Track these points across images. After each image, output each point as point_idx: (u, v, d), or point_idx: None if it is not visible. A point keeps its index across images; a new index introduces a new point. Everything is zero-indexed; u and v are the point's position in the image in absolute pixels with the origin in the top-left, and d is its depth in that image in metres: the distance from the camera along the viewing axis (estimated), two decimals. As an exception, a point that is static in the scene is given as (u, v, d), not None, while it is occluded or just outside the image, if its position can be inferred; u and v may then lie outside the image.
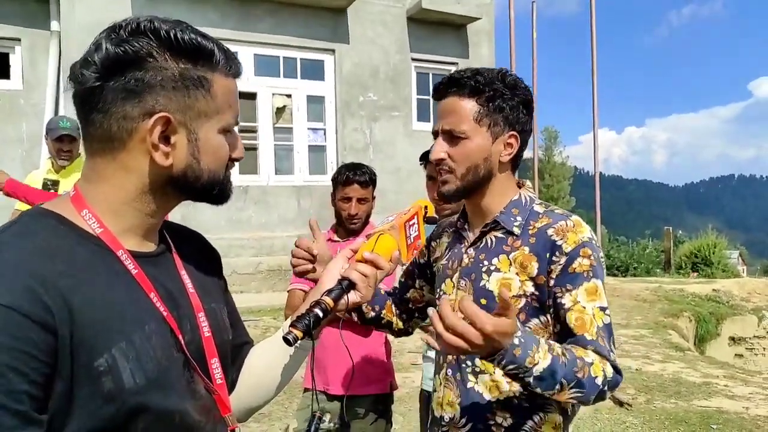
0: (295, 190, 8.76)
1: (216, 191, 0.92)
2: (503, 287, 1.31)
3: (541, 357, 1.10)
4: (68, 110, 6.57)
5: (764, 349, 9.76)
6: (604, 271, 1.35)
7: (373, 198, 2.54)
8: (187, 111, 0.84)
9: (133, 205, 0.86)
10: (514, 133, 1.35)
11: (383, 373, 2.48)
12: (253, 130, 8.61)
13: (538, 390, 1.13)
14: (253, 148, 8.59)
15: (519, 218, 1.36)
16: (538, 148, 15.85)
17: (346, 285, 1.06)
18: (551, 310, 1.29)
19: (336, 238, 2.54)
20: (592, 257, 1.28)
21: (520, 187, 1.43)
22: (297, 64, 8.88)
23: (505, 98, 1.33)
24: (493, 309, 1.30)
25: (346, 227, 2.49)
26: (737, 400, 4.88)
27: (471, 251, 1.40)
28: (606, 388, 1.20)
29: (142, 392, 0.78)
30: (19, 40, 7.63)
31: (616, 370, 1.23)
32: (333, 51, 8.95)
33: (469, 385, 1.35)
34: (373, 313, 1.59)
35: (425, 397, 2.60)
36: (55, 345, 0.71)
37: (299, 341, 0.98)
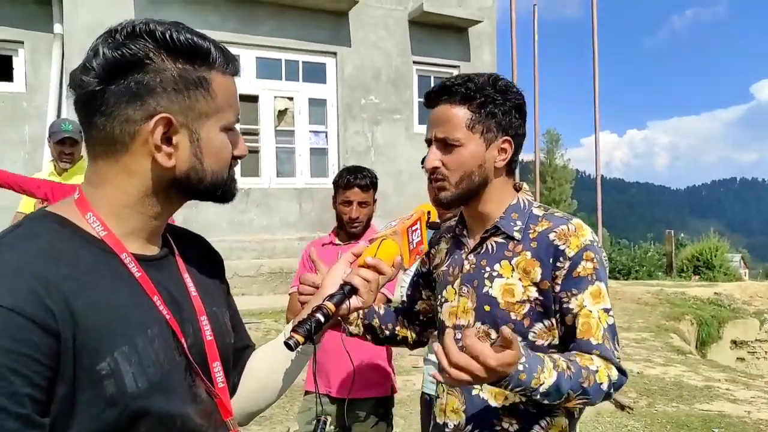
0: (297, 193, 8.76)
1: (220, 191, 0.92)
2: (507, 293, 1.32)
3: (546, 376, 1.12)
4: (71, 113, 6.59)
5: (766, 352, 9.73)
6: (607, 271, 1.35)
7: (375, 201, 2.54)
8: (187, 111, 0.84)
9: (136, 208, 0.86)
10: (508, 138, 1.35)
11: (384, 376, 2.48)
12: (255, 133, 8.62)
13: (545, 402, 1.16)
14: (254, 151, 8.60)
15: (519, 222, 1.36)
16: (539, 150, 15.85)
17: (348, 290, 1.06)
18: (557, 314, 1.30)
19: (337, 241, 2.54)
20: (594, 260, 1.28)
21: (517, 191, 1.43)
22: (299, 66, 8.90)
23: (497, 103, 1.33)
24: (497, 315, 1.31)
25: (347, 231, 2.49)
26: (739, 403, 4.86)
27: (472, 257, 1.40)
28: (611, 390, 1.22)
29: (145, 396, 0.78)
30: (22, 42, 7.65)
31: (621, 371, 1.25)
32: (335, 54, 8.96)
33: (474, 391, 1.35)
34: (387, 332, 1.59)
35: (426, 401, 2.60)
36: (57, 348, 0.71)
37: (300, 346, 0.98)
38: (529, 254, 1.31)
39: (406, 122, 9.47)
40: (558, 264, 1.28)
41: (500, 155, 1.35)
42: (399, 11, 9.33)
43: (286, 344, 0.97)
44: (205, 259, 1.05)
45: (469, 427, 1.35)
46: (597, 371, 1.19)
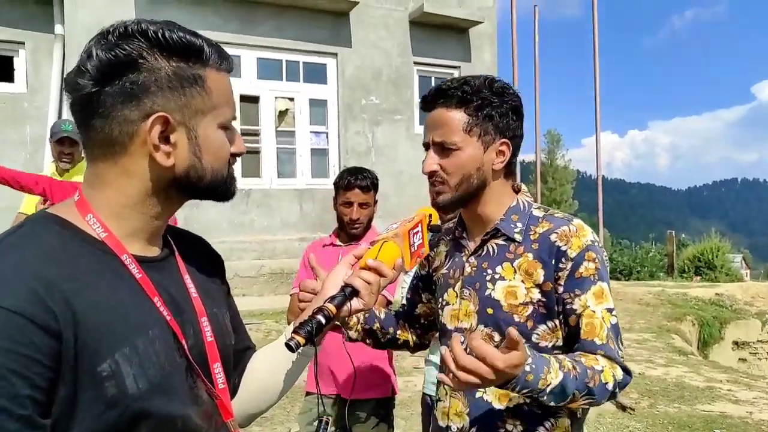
0: (298, 194, 8.76)
1: (220, 189, 0.92)
2: (509, 295, 1.31)
3: (553, 377, 1.12)
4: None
5: (768, 353, 9.72)
6: (608, 271, 1.36)
7: (375, 202, 2.54)
8: (184, 109, 0.84)
9: (136, 209, 0.86)
10: (505, 140, 1.35)
11: (385, 377, 2.47)
12: (256, 134, 8.63)
13: (552, 404, 1.16)
14: (255, 152, 8.61)
15: (519, 224, 1.36)
16: (540, 151, 15.85)
17: (349, 292, 1.06)
18: (560, 315, 1.30)
19: (338, 242, 2.54)
20: (596, 260, 1.29)
21: (516, 192, 1.43)
22: (299, 67, 8.90)
23: (494, 106, 1.32)
24: (500, 317, 1.31)
25: (348, 232, 2.49)
26: (741, 404, 4.86)
27: (473, 260, 1.39)
28: (616, 390, 1.23)
29: (145, 397, 0.78)
30: (23, 43, 7.67)
31: (625, 370, 1.26)
32: (335, 54, 8.97)
33: (478, 394, 1.34)
34: (388, 336, 1.58)
35: (427, 402, 2.60)
36: (58, 349, 0.71)
37: (301, 347, 0.98)
38: (530, 256, 1.31)
39: (407, 123, 9.47)
40: (560, 265, 1.28)
41: (498, 157, 1.35)
42: (399, 11, 9.34)
43: (287, 345, 0.97)
44: (206, 261, 1.05)
45: (474, 430, 1.34)
46: (602, 371, 1.20)
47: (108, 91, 0.80)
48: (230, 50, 8.07)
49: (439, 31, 9.61)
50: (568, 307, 1.28)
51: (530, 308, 1.30)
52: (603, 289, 1.28)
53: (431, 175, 1.36)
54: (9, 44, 7.64)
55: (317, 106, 9.07)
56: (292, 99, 8.89)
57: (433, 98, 1.36)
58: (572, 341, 1.29)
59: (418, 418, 3.12)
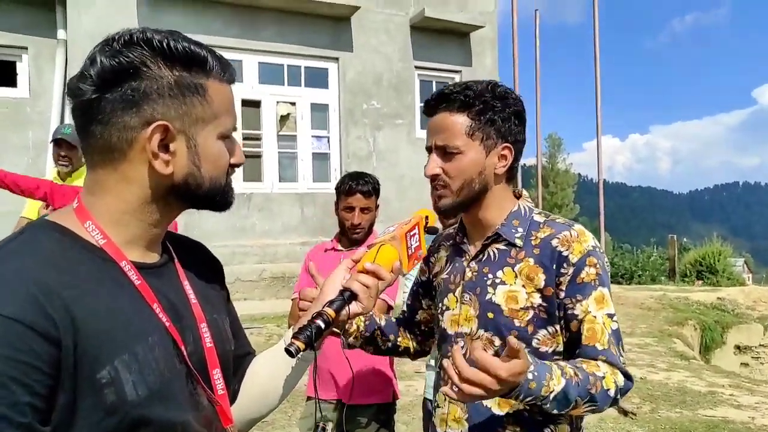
0: (299, 198, 8.77)
1: (218, 198, 0.93)
2: (510, 300, 1.32)
3: (555, 383, 1.13)
4: (74, 118, 6.62)
5: (770, 358, 9.68)
6: (609, 275, 1.36)
7: (377, 207, 2.54)
8: (184, 118, 0.85)
9: (135, 216, 0.87)
10: (508, 144, 1.36)
11: (385, 382, 2.47)
12: (258, 138, 8.64)
13: (555, 412, 1.16)
14: (257, 156, 8.62)
15: (520, 229, 1.36)
16: (541, 155, 15.85)
17: (348, 296, 1.06)
18: (561, 321, 1.30)
19: (339, 247, 2.54)
20: (597, 265, 1.29)
21: (518, 198, 1.43)
22: (301, 72, 8.92)
23: (496, 110, 1.33)
24: (501, 322, 1.31)
25: (350, 237, 2.49)
26: (743, 409, 4.84)
27: (473, 264, 1.40)
28: (618, 396, 1.23)
29: (145, 404, 0.78)
30: (26, 48, 7.69)
31: (627, 376, 1.26)
32: (337, 59, 8.99)
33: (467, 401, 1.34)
34: (389, 343, 1.58)
35: (428, 407, 2.59)
36: (58, 356, 0.71)
37: (301, 353, 0.98)
38: (532, 261, 1.32)
39: (408, 127, 9.48)
40: (562, 270, 1.28)
41: (500, 162, 1.36)
42: (400, 16, 9.36)
43: (287, 351, 0.97)
44: (205, 266, 1.05)
45: None
46: (604, 377, 1.20)
47: (109, 97, 0.81)
48: (232, 55, 8.19)
49: (440, 36, 9.63)
50: (569, 312, 1.28)
51: (531, 313, 1.30)
52: (604, 294, 1.29)
53: (433, 178, 1.37)
54: (12, 49, 7.67)
55: (319, 110, 9.09)
56: (293, 103, 8.90)
57: (436, 102, 1.37)
58: (573, 347, 1.29)
59: (420, 423, 3.12)
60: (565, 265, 1.28)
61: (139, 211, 0.87)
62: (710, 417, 4.59)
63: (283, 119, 8.87)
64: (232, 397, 1.03)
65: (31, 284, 0.73)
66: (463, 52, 9.89)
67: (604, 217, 13.35)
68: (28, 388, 0.69)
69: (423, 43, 9.51)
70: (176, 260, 0.97)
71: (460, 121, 1.33)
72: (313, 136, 9.08)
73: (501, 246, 1.37)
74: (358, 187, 2.45)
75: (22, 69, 7.78)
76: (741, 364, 9.36)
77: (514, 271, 1.33)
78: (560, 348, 1.32)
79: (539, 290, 1.30)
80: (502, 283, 1.33)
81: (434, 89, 9.97)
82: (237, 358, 1.06)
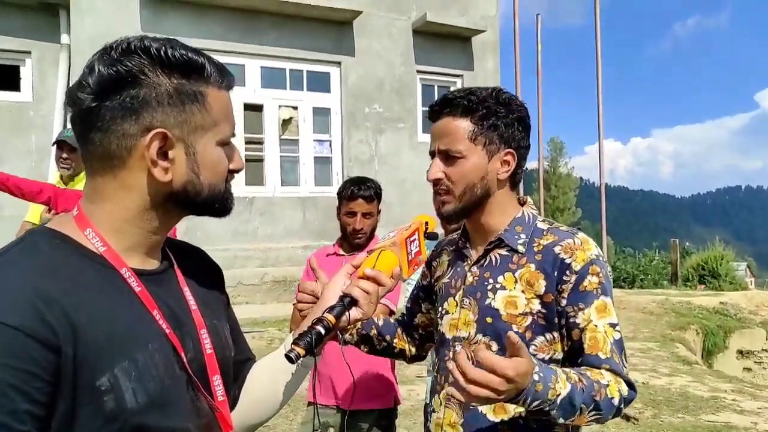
0: (301, 202, 8.78)
1: (218, 205, 0.93)
2: (509, 305, 1.31)
3: (561, 387, 1.11)
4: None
5: (773, 362, 9.64)
6: (612, 284, 1.35)
7: (379, 212, 2.54)
8: (183, 125, 0.85)
9: (135, 223, 0.87)
10: (511, 150, 1.36)
11: (387, 387, 2.47)
12: (260, 142, 8.66)
13: (561, 420, 1.14)
14: (259, 160, 8.64)
15: (523, 236, 1.36)
16: (543, 159, 15.85)
17: (348, 302, 1.06)
18: (563, 329, 1.29)
19: (341, 252, 2.55)
20: (600, 274, 1.29)
21: (522, 204, 1.43)
22: (303, 76, 8.95)
23: (499, 116, 1.33)
24: (499, 327, 1.31)
25: (351, 242, 2.50)
26: (746, 414, 4.82)
27: (475, 269, 1.40)
28: (622, 406, 1.21)
29: (144, 412, 0.79)
30: (30, 52, 7.73)
31: (630, 385, 1.24)
32: (339, 63, 9.01)
33: (472, 405, 1.33)
34: (384, 344, 1.58)
35: (430, 411, 2.59)
36: (57, 364, 0.71)
37: (301, 359, 0.98)
38: (533, 266, 1.31)
39: (410, 131, 9.49)
40: (564, 278, 1.28)
41: (503, 167, 1.36)
42: (402, 21, 9.39)
43: (287, 357, 0.97)
44: (205, 272, 1.05)
45: None
46: (608, 385, 1.19)
47: (108, 105, 0.81)
48: (234, 59, 8.21)
49: (442, 40, 9.65)
50: (571, 320, 1.27)
51: (529, 319, 1.30)
52: (606, 303, 1.28)
53: (436, 183, 1.37)
54: (15, 53, 7.70)
55: (321, 114, 9.11)
56: (295, 107, 8.93)
57: (440, 107, 1.38)
58: (575, 356, 1.28)
59: (421, 428, 3.11)
60: (567, 272, 1.28)
61: (139, 219, 0.87)
62: (713, 422, 4.57)
63: (285, 123, 8.89)
64: (232, 403, 1.03)
65: (30, 292, 0.73)
66: (464, 57, 9.91)
67: (606, 221, 13.35)
68: (27, 396, 0.69)
69: (425, 47, 9.53)
70: (176, 266, 0.97)
71: (463, 125, 1.33)
72: (315, 140, 9.10)
73: (503, 251, 1.37)
74: (360, 192, 2.45)
75: (26, 73, 7.81)
76: (744, 368, 9.32)
77: (514, 276, 1.33)
78: (557, 356, 1.31)
79: (539, 296, 1.29)
80: (502, 288, 1.33)
81: (436, 93, 9.97)
82: (237, 364, 1.06)
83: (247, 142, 8.49)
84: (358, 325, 1.52)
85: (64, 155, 3.86)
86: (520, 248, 1.34)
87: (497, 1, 10.36)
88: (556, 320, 1.29)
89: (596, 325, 1.26)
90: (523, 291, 1.31)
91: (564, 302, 1.28)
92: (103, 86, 0.81)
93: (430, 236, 1.31)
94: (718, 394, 5.38)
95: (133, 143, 0.83)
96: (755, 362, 9.50)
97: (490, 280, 1.35)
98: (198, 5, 7.88)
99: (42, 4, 7.60)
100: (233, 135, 0.94)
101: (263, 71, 8.64)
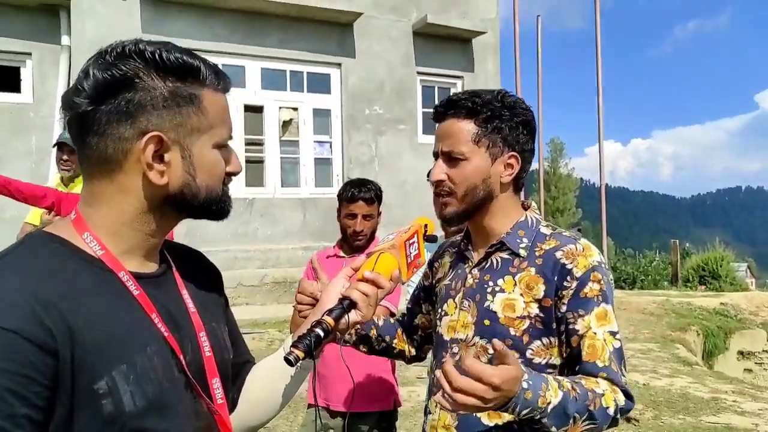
0: (301, 203, 8.78)
1: (215, 207, 0.93)
2: (507, 308, 1.31)
3: (552, 395, 1.10)
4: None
5: (774, 363, 9.63)
6: (614, 293, 1.34)
7: (379, 214, 2.54)
8: (179, 128, 0.85)
9: (133, 226, 0.87)
10: (514, 153, 1.35)
11: (387, 389, 2.46)
12: (260, 143, 8.67)
13: (554, 429, 1.13)
14: (259, 161, 8.64)
15: (525, 240, 1.36)
16: (543, 160, 15.86)
17: (347, 304, 1.06)
18: (563, 335, 1.29)
19: (341, 253, 2.54)
20: (602, 281, 1.28)
21: (526, 209, 1.43)
22: (303, 77, 8.95)
23: (504, 119, 1.33)
24: (497, 330, 1.30)
25: (352, 243, 2.50)
26: (746, 416, 4.81)
27: (476, 271, 1.39)
28: (618, 416, 1.20)
29: (143, 415, 0.79)
30: (30, 54, 7.73)
31: (627, 395, 1.23)
32: (339, 65, 9.02)
33: (460, 413, 1.32)
34: (384, 344, 1.58)
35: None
36: (56, 367, 0.71)
37: (300, 361, 0.99)
38: (533, 270, 1.31)
39: (410, 133, 9.49)
40: (565, 283, 1.27)
41: (506, 170, 1.36)
42: (403, 23, 9.40)
43: (286, 360, 0.97)
44: (203, 274, 1.05)
45: None
46: (603, 395, 1.17)
47: (103, 109, 0.81)
48: (235, 61, 8.22)
49: (442, 42, 9.65)
50: (570, 327, 1.26)
51: (527, 322, 1.29)
52: (607, 311, 1.27)
53: (438, 184, 1.37)
54: (16, 55, 7.71)
55: (321, 116, 9.11)
56: (296, 109, 8.93)
57: (444, 109, 1.38)
58: (574, 363, 1.27)
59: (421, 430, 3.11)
60: (568, 278, 1.27)
61: (136, 222, 0.87)
62: (713, 423, 4.56)
63: (286, 125, 8.90)
64: (231, 405, 1.03)
65: (28, 296, 0.73)
66: (465, 58, 9.91)
67: (606, 222, 13.34)
68: (25, 400, 0.69)
69: (425, 49, 9.53)
70: (174, 269, 0.97)
71: (467, 127, 1.33)
72: (315, 142, 9.10)
73: (504, 255, 1.36)
74: (360, 194, 2.45)
75: (26, 74, 7.82)
76: (744, 370, 9.31)
77: (514, 279, 1.32)
78: (554, 360, 1.31)
79: (537, 300, 1.29)
80: (501, 291, 1.32)
81: (436, 95, 9.94)
82: (236, 367, 1.06)
83: (247, 144, 8.50)
84: (358, 325, 1.52)
85: (65, 157, 3.86)
86: (522, 252, 1.34)
87: (497, 3, 10.37)
88: (553, 325, 1.29)
89: (596, 333, 1.25)
90: (521, 294, 1.30)
91: (564, 308, 1.27)
92: (99, 90, 0.81)
93: (430, 239, 1.31)
94: (718, 395, 5.38)
95: (129, 147, 0.83)
96: (756, 363, 9.49)
97: (490, 283, 1.35)
98: (198, 7, 7.89)
99: (43, 6, 7.61)
100: (230, 137, 0.94)
101: (264, 72, 8.65)
